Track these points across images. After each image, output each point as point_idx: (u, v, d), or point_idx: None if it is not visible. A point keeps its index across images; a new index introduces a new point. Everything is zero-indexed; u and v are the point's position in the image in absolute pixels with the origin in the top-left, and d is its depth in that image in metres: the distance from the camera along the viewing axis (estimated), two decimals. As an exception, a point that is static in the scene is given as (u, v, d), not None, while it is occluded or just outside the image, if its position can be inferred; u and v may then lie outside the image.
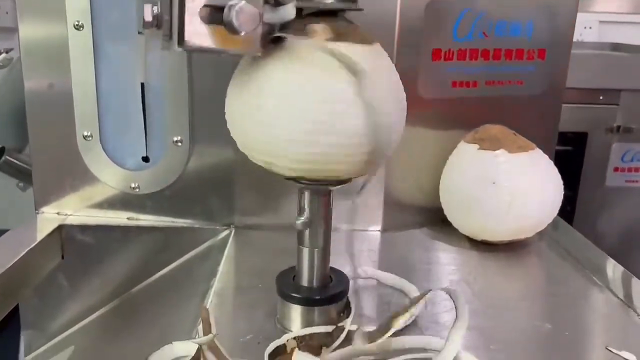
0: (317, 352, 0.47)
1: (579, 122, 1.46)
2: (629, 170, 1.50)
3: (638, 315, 0.59)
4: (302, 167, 0.46)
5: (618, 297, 0.62)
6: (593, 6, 2.17)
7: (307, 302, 0.52)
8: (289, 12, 0.44)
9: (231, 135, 0.49)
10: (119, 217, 0.76)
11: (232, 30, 0.41)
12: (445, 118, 0.78)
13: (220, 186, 0.75)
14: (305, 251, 0.52)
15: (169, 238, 0.75)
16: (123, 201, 0.75)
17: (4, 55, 1.15)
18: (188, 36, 0.41)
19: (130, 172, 0.74)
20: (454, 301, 0.47)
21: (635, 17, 2.20)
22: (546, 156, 0.74)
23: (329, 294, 0.53)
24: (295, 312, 0.53)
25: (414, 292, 0.60)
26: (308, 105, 0.44)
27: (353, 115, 0.44)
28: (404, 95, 0.49)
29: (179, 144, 0.72)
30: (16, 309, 0.70)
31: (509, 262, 0.73)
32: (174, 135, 0.72)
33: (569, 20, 0.81)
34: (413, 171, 0.78)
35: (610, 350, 0.52)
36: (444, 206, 0.77)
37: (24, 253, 0.65)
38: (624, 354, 0.51)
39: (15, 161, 1.01)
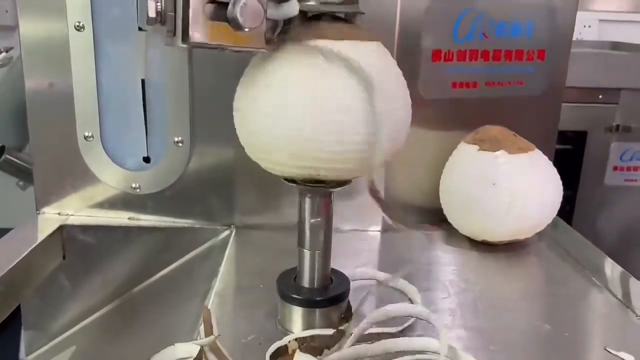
0: (318, 353, 0.48)
1: (578, 121, 1.46)
2: (628, 169, 1.50)
3: (637, 315, 0.59)
4: (303, 167, 0.46)
5: (617, 298, 0.63)
6: (593, 5, 2.17)
7: (308, 303, 0.52)
8: (292, 8, 0.44)
9: (237, 133, 0.49)
10: (119, 218, 0.76)
11: (237, 26, 0.41)
12: (445, 119, 0.78)
13: (220, 186, 0.75)
14: (306, 253, 0.52)
15: (170, 238, 0.76)
16: (124, 201, 0.75)
17: (4, 54, 1.15)
18: (192, 32, 0.41)
19: (131, 173, 0.74)
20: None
21: (635, 15, 2.20)
22: (546, 157, 0.74)
23: (330, 296, 0.53)
24: (296, 314, 0.53)
25: (414, 293, 0.60)
26: (311, 107, 0.44)
27: (357, 117, 0.44)
28: (408, 96, 0.49)
29: (180, 144, 0.73)
30: (16, 309, 0.70)
31: (509, 262, 0.73)
32: (174, 135, 0.72)
33: (568, 21, 0.81)
34: (413, 172, 0.79)
35: (608, 351, 0.52)
36: (444, 207, 0.77)
37: (25, 253, 0.65)
38: (623, 354, 0.51)
39: (15, 160, 1.01)
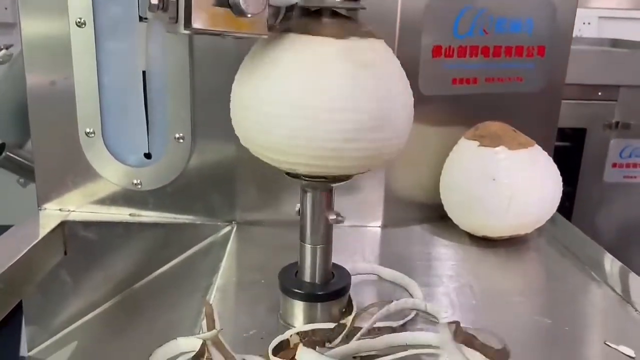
0: (320, 347, 0.48)
1: (577, 118, 1.46)
2: (627, 166, 1.50)
3: (636, 310, 0.59)
4: (302, 163, 0.47)
5: (616, 293, 0.63)
6: (592, 2, 2.17)
7: (310, 298, 0.53)
8: None
9: (234, 129, 0.49)
10: (121, 214, 0.76)
11: (239, 12, 0.42)
12: (445, 115, 0.78)
13: (222, 182, 0.75)
14: (308, 248, 0.53)
15: (171, 234, 0.76)
16: (125, 197, 0.76)
17: (4, 51, 1.15)
18: (194, 19, 0.41)
19: (132, 169, 0.74)
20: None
21: (635, 12, 2.20)
22: (545, 153, 0.74)
23: (331, 290, 0.53)
24: (298, 308, 0.53)
25: (414, 287, 0.61)
26: (311, 102, 0.44)
27: (359, 114, 0.44)
28: (410, 92, 0.49)
29: (181, 140, 0.73)
30: (17, 305, 0.71)
31: (509, 257, 0.73)
32: (175, 132, 0.73)
33: (568, 17, 0.81)
34: (413, 167, 0.79)
35: (608, 345, 0.52)
36: (444, 202, 0.78)
37: (27, 249, 0.65)
38: (622, 348, 0.52)
39: (15, 157, 1.01)
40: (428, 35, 0.73)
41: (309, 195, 0.51)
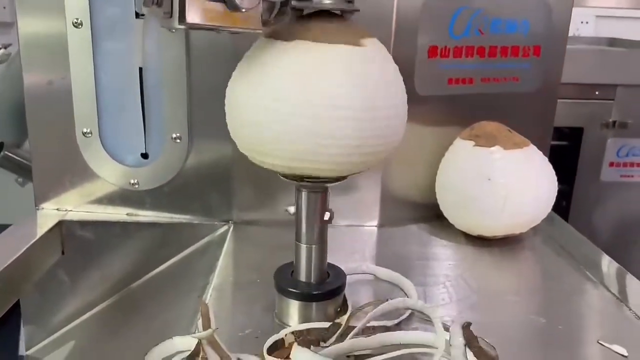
0: (315, 346, 0.48)
1: (574, 117, 1.47)
2: (624, 165, 1.50)
3: (630, 309, 0.60)
4: (295, 165, 0.47)
5: (611, 292, 0.63)
6: (590, 1, 2.17)
7: (305, 297, 0.53)
8: None
9: (230, 133, 0.50)
10: (118, 213, 0.76)
11: (233, 7, 0.42)
12: (441, 115, 0.79)
13: (218, 182, 0.76)
14: (303, 247, 0.53)
15: (168, 234, 0.76)
16: (122, 197, 0.76)
17: (2, 50, 1.15)
18: (189, 13, 0.41)
19: (129, 169, 0.75)
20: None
21: (632, 11, 2.21)
22: (541, 153, 0.75)
23: (327, 290, 0.54)
24: (293, 307, 0.53)
25: (409, 287, 0.61)
26: (305, 103, 0.45)
27: (350, 115, 0.45)
28: (404, 92, 0.50)
29: (178, 140, 0.73)
30: (16, 304, 0.71)
31: (504, 257, 0.74)
32: (172, 131, 0.73)
33: (564, 17, 0.82)
34: (409, 167, 0.79)
35: (602, 344, 0.53)
36: (439, 202, 0.78)
37: (24, 249, 0.65)
38: (615, 347, 0.52)
39: (14, 156, 1.01)
40: (424, 35, 0.73)
41: (304, 195, 0.52)
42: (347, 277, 0.57)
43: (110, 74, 0.72)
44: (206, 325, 0.47)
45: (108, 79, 0.72)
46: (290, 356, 0.43)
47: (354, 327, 0.50)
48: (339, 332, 0.50)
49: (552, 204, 0.75)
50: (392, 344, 0.49)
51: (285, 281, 0.54)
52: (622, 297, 0.62)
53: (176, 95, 0.72)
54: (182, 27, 0.42)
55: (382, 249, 0.75)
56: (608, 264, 0.72)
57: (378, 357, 0.47)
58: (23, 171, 1.02)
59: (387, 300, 0.51)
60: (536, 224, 0.75)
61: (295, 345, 0.44)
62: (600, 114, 1.47)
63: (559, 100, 0.86)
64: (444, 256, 0.74)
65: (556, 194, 0.75)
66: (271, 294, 0.56)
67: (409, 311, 0.55)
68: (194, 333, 0.50)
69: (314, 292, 0.53)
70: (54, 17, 0.69)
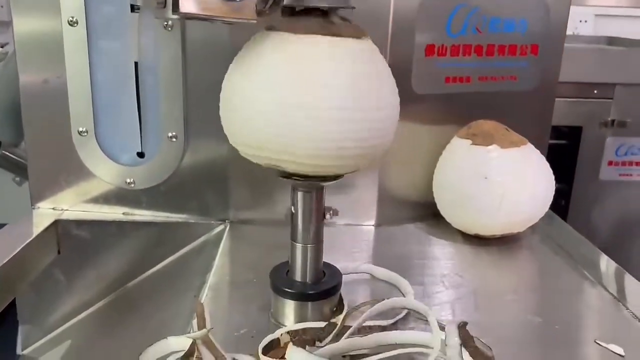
0: (310, 345, 0.48)
1: (573, 116, 1.46)
2: (623, 164, 1.50)
3: (627, 309, 0.60)
4: (290, 161, 0.46)
5: (609, 292, 0.63)
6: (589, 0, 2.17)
7: (300, 297, 0.53)
8: None
9: (223, 128, 0.49)
10: (114, 212, 0.76)
11: None
12: (438, 113, 0.79)
13: (215, 181, 0.75)
14: (298, 247, 0.53)
15: (164, 233, 0.76)
16: (118, 196, 0.76)
17: (-1, 49, 1.15)
18: (183, 3, 0.41)
19: (125, 168, 0.74)
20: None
21: (631, 10, 2.21)
22: (538, 151, 0.75)
23: (322, 289, 0.53)
24: (289, 307, 0.53)
25: (405, 286, 0.61)
26: (299, 101, 0.44)
27: (344, 112, 0.44)
28: (396, 92, 0.49)
29: (174, 139, 0.73)
30: (13, 304, 0.71)
31: (501, 256, 0.73)
32: (168, 130, 0.73)
33: (562, 16, 0.82)
34: (407, 166, 0.79)
35: (598, 344, 0.53)
36: (437, 201, 0.78)
37: (20, 248, 0.65)
38: (612, 347, 0.52)
39: (11, 155, 1.01)
40: (421, 34, 0.73)
41: (299, 195, 0.51)
42: (344, 276, 0.57)
43: (106, 72, 0.71)
44: (201, 325, 0.47)
45: (104, 77, 0.71)
46: (286, 356, 0.43)
47: (349, 327, 0.50)
48: (334, 331, 0.49)
49: (550, 203, 0.75)
50: (388, 343, 0.49)
51: (281, 281, 0.54)
52: (619, 296, 0.62)
53: (172, 94, 0.71)
54: (176, 17, 0.42)
55: (379, 248, 0.75)
56: (606, 264, 0.72)
57: (374, 357, 0.47)
58: (20, 170, 1.02)
59: (383, 300, 0.51)
60: (533, 223, 0.75)
61: (290, 345, 0.44)
62: (599, 113, 1.47)
63: (557, 99, 0.86)
64: (441, 255, 0.73)
65: (554, 192, 0.75)
66: (267, 293, 0.55)
67: (405, 310, 0.55)
68: (189, 333, 0.50)
69: (309, 292, 0.53)
70: (49, 15, 0.69)
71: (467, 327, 0.46)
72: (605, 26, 2.14)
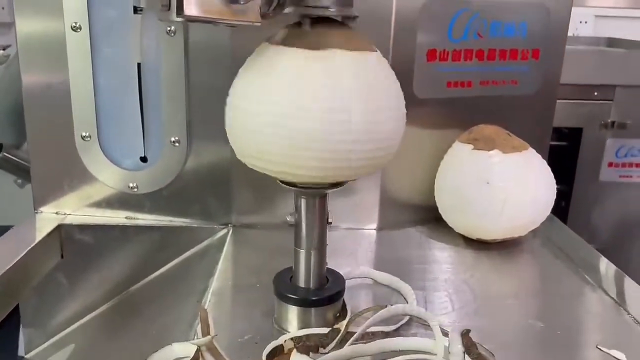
0: (314, 352, 0.48)
1: (573, 117, 1.47)
2: (623, 165, 1.50)
3: (629, 313, 0.60)
4: (293, 172, 0.47)
5: (610, 296, 0.63)
6: (589, 0, 2.18)
7: (304, 303, 0.53)
8: None
9: (230, 140, 0.50)
10: (117, 217, 0.76)
11: None
12: (440, 118, 0.79)
13: (217, 185, 0.76)
14: (302, 253, 0.53)
15: (167, 237, 0.76)
16: (121, 201, 0.76)
17: (1, 52, 1.15)
18: (187, 6, 0.41)
19: (128, 172, 0.75)
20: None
21: (632, 11, 2.21)
22: (539, 156, 0.75)
23: (326, 295, 0.54)
24: (292, 313, 0.53)
25: (408, 291, 0.61)
26: (304, 111, 0.45)
27: (349, 125, 0.45)
28: (402, 101, 0.50)
29: (177, 144, 0.73)
30: (15, 307, 0.71)
31: (503, 260, 0.74)
32: (171, 135, 0.73)
33: (562, 20, 0.82)
34: (408, 170, 0.79)
35: (600, 349, 0.53)
36: (438, 205, 0.78)
37: (24, 253, 0.65)
38: (614, 352, 0.52)
39: (13, 158, 1.02)
40: (423, 38, 0.73)
41: (303, 201, 0.52)
42: (347, 281, 0.57)
43: (109, 78, 0.72)
44: (205, 331, 0.47)
45: (107, 82, 0.72)
46: (290, 363, 0.43)
47: (353, 333, 0.50)
48: (338, 337, 0.50)
49: (551, 207, 0.75)
50: (391, 350, 0.49)
51: (284, 287, 0.54)
52: (620, 300, 0.62)
53: (175, 98, 0.72)
54: (180, 19, 0.41)
55: (381, 252, 0.75)
56: (606, 267, 0.72)
57: (376, 363, 0.47)
58: (22, 172, 1.02)
59: (386, 307, 0.51)
60: (535, 227, 0.75)
61: (294, 352, 0.44)
62: (599, 115, 1.47)
63: (558, 101, 0.86)
64: (443, 259, 0.74)
65: (555, 197, 0.75)
66: (270, 298, 0.56)
67: (408, 316, 0.56)
68: (193, 338, 0.50)
69: (313, 298, 0.53)
70: (52, 18, 0.69)
71: (469, 334, 0.46)
72: (605, 27, 2.14)
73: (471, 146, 0.73)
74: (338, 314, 0.55)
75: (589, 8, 2.15)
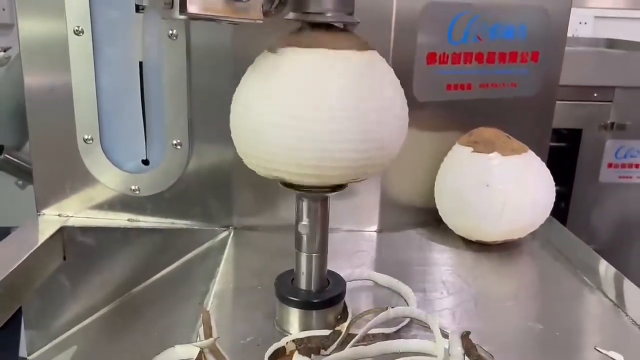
0: (315, 353, 0.49)
1: (573, 118, 1.47)
2: (623, 166, 1.51)
3: (627, 315, 0.60)
4: (296, 173, 0.47)
5: (609, 298, 0.64)
6: (589, 1, 2.18)
7: (305, 305, 0.54)
8: None
9: (233, 141, 0.50)
10: (119, 219, 0.77)
11: None
12: (440, 120, 0.79)
13: (219, 188, 0.76)
14: (303, 256, 0.53)
15: (169, 239, 0.76)
16: (123, 203, 0.76)
17: (2, 54, 1.16)
18: (190, 3, 0.41)
19: (130, 175, 0.75)
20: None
21: (631, 12, 2.21)
22: (539, 158, 0.75)
23: (327, 298, 0.54)
24: (294, 315, 0.54)
25: (408, 293, 0.62)
26: (306, 113, 0.45)
27: (351, 127, 0.45)
28: (405, 104, 0.50)
29: (178, 146, 0.73)
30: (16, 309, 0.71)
31: (502, 261, 0.74)
32: (173, 138, 0.73)
33: (562, 23, 0.82)
34: (409, 173, 0.80)
35: (598, 351, 0.53)
36: (438, 207, 0.78)
37: (27, 255, 0.66)
38: (612, 354, 0.53)
39: (14, 159, 1.02)
40: (423, 42, 0.74)
41: (304, 204, 0.52)
42: (347, 283, 0.57)
43: (111, 80, 0.72)
44: (208, 334, 0.47)
45: (109, 85, 0.72)
46: (291, 365, 0.44)
47: (354, 335, 0.50)
48: (339, 339, 0.50)
49: (550, 209, 0.76)
50: (392, 352, 0.50)
51: (286, 289, 0.55)
52: (619, 302, 0.63)
53: (177, 101, 0.72)
54: (183, 17, 0.42)
55: (381, 254, 0.76)
56: (605, 269, 0.72)
57: (378, 365, 0.48)
58: (23, 174, 1.02)
59: (387, 309, 0.51)
60: (534, 229, 0.76)
61: (296, 354, 0.45)
62: (598, 116, 1.47)
63: (557, 102, 0.87)
64: (443, 261, 0.74)
65: (554, 199, 0.76)
66: (272, 300, 0.56)
67: (409, 318, 0.56)
68: (195, 341, 0.51)
69: (314, 301, 0.54)
70: (54, 21, 0.69)
71: (469, 336, 0.46)
72: (604, 28, 2.14)
73: (471, 149, 0.74)
74: (339, 316, 0.55)
75: (588, 9, 2.16)
